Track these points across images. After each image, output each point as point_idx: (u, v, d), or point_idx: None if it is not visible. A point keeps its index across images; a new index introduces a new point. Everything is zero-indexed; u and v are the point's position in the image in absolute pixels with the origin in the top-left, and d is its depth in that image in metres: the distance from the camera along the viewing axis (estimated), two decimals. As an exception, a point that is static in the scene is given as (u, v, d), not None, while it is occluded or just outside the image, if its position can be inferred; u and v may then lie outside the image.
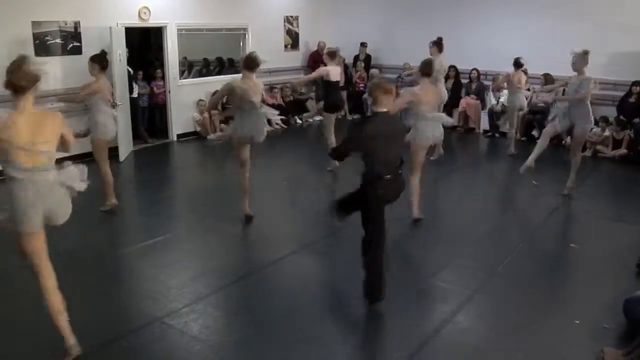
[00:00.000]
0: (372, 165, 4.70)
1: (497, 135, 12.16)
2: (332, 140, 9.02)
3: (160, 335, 4.56)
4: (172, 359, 4.28)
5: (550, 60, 10.74)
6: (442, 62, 9.72)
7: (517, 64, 10.16)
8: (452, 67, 12.35)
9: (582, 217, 7.61)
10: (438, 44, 9.80)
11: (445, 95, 9.82)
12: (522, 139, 11.71)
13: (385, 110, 4.73)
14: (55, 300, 4.00)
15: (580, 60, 7.59)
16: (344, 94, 13.89)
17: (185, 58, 12.51)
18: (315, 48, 13.93)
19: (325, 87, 9.42)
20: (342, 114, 10.38)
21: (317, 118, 13.71)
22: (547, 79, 11.09)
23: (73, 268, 5.74)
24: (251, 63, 6.62)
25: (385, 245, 4.86)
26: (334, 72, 9.07)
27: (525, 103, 10.79)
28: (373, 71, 13.84)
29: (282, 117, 10.92)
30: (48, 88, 9.19)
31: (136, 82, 11.05)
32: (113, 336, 4.49)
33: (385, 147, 4.69)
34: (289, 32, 13.82)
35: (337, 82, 9.24)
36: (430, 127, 6.73)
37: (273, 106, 12.58)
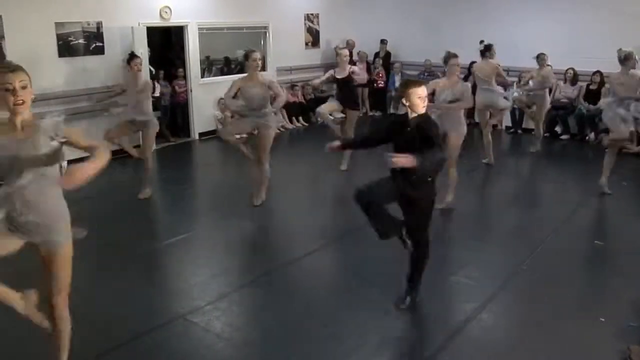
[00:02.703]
0: None
1: (519, 131, 12.06)
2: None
3: (183, 332, 4.59)
4: (195, 356, 4.29)
5: (574, 55, 10.64)
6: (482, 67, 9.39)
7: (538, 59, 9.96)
8: (474, 63, 12.27)
9: (606, 214, 7.52)
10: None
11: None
12: (545, 134, 11.59)
13: (406, 110, 4.55)
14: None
15: None
16: (366, 91, 13.93)
17: (207, 57, 12.57)
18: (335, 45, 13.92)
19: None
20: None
21: (338, 116, 13.71)
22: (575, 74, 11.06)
23: (96, 266, 5.81)
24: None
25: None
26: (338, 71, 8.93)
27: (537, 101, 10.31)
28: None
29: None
30: (71, 88, 9.35)
31: (158, 82, 11.14)
32: (136, 333, 4.52)
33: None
34: (309, 30, 13.82)
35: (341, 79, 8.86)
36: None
37: (294, 104, 12.71)
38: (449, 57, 7.05)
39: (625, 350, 4.13)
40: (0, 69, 3.19)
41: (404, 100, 4.48)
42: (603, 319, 4.70)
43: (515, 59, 11.74)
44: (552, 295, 5.19)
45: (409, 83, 4.61)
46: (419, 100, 4.44)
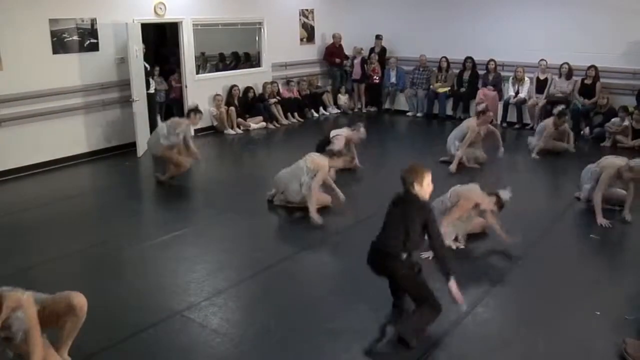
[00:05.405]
0: None
1: (516, 126, 12.06)
2: None
3: (180, 328, 4.59)
4: (193, 352, 4.30)
5: (569, 49, 10.64)
6: None
7: None
8: (469, 58, 12.33)
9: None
10: None
11: None
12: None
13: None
14: None
15: None
16: (362, 87, 13.94)
17: (202, 53, 12.54)
18: (329, 41, 13.93)
19: None
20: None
21: (334, 111, 13.73)
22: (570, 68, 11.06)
23: (93, 263, 5.81)
24: None
25: None
26: None
27: None
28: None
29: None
30: (66, 85, 9.32)
31: (152, 78, 11.11)
32: (134, 330, 4.52)
33: None
34: (304, 26, 13.78)
35: None
36: None
37: (289, 100, 12.73)
38: None
39: (620, 343, 4.15)
40: None
41: (416, 185, 4.37)
42: (598, 312, 4.72)
43: (509, 53, 11.77)
44: (547, 288, 5.21)
45: (422, 169, 4.45)
46: (428, 187, 4.44)
